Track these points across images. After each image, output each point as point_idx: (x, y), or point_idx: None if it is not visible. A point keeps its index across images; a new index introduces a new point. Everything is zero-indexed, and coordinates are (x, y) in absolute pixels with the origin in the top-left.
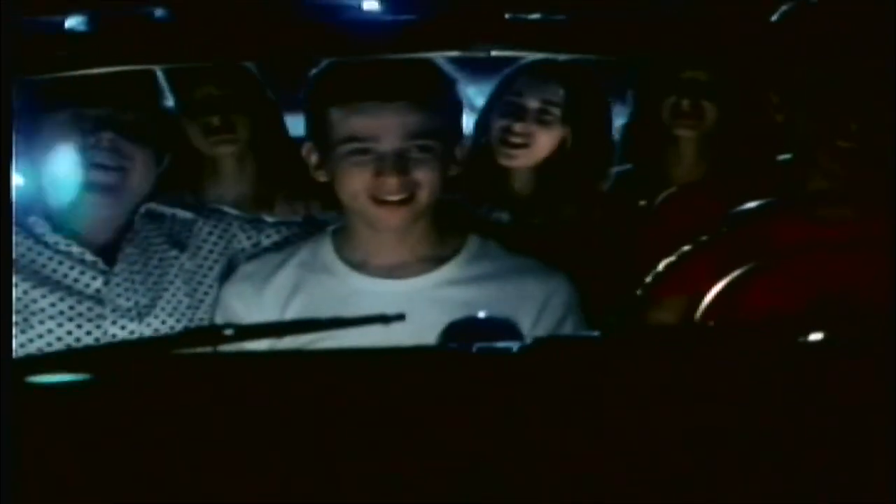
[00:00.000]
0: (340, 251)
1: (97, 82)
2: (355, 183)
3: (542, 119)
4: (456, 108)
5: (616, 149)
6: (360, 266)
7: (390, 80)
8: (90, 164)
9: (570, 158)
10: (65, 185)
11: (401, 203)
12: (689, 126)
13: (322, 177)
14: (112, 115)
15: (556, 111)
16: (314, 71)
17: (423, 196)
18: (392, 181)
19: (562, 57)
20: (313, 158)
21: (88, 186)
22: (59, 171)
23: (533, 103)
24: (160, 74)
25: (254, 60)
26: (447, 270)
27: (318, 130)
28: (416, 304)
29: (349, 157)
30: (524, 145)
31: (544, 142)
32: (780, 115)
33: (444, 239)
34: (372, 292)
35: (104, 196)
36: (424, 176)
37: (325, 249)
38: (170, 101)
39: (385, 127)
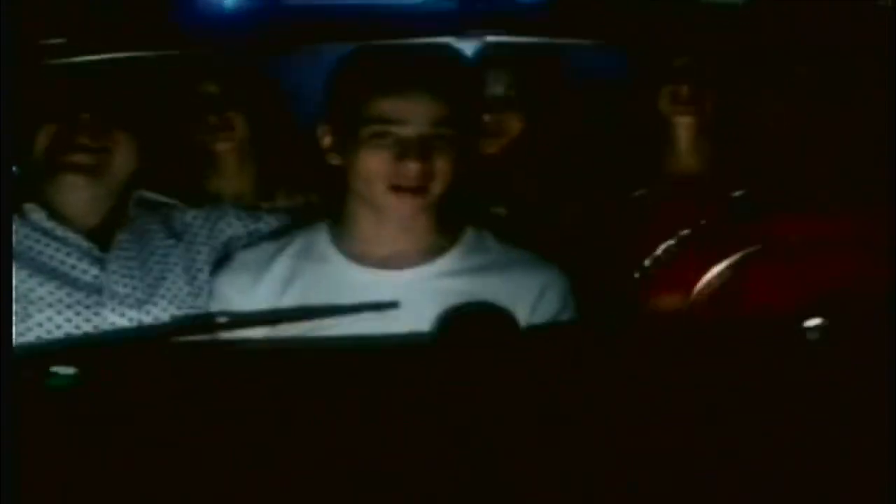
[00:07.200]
0: (337, 241)
1: (85, 67)
2: (373, 166)
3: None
4: (476, 102)
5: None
6: (356, 256)
7: (423, 65)
8: (72, 146)
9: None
10: (48, 166)
11: (415, 192)
12: (688, 113)
13: (335, 159)
14: (97, 97)
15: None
16: (342, 54)
17: (437, 187)
18: (413, 167)
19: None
20: (327, 140)
21: (69, 167)
22: (43, 154)
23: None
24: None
25: (250, 52)
26: (444, 262)
27: (340, 111)
28: (412, 295)
29: (371, 140)
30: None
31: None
32: None
33: (440, 231)
34: (368, 283)
35: (85, 177)
36: (442, 166)
37: (322, 239)
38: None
39: (413, 111)
